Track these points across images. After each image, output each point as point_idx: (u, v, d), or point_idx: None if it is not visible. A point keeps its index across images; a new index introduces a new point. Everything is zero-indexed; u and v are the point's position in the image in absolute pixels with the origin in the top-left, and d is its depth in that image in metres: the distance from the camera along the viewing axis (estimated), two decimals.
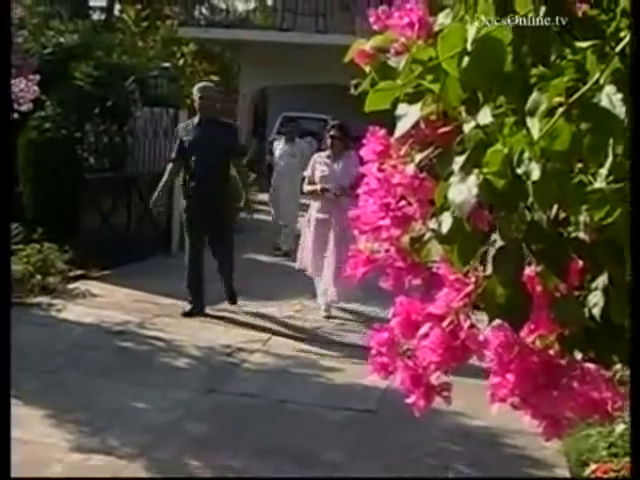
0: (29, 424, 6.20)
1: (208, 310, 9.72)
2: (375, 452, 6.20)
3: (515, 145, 1.30)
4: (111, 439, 6.06)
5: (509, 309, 1.60)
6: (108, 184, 12.24)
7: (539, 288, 1.66)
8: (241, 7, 38.75)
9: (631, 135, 1.24)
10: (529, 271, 1.64)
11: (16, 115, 9.23)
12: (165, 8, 26.04)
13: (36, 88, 9.19)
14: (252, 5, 40.24)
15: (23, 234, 10.89)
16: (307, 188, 10.31)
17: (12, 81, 9.02)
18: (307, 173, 10.33)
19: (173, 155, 9.96)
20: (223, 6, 37.59)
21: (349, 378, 7.66)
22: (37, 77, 9.26)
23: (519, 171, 1.29)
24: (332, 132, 10.13)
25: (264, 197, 16.30)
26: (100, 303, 10.02)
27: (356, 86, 1.62)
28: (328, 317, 10.08)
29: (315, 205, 10.19)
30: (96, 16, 33.36)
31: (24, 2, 9.85)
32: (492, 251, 1.59)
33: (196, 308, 9.72)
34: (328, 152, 10.20)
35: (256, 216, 17.16)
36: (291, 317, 9.99)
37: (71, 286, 10.44)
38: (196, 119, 9.84)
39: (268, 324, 9.50)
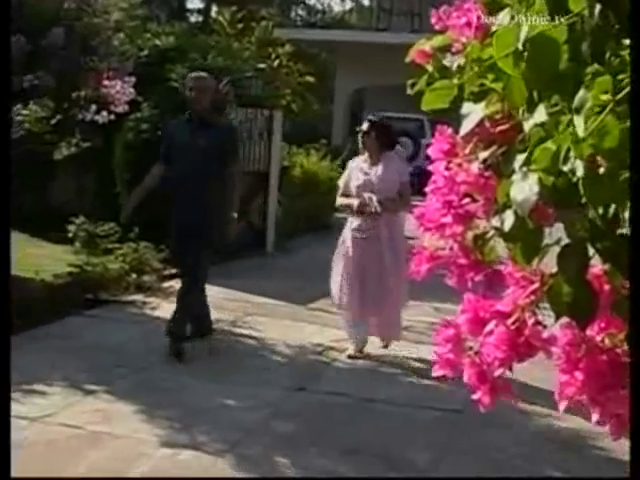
0: (120, 419, 6.33)
1: (303, 309, 9.74)
2: (462, 452, 6.18)
3: (562, 143, 1.31)
4: (200, 435, 6.13)
5: (575, 307, 1.60)
6: None
7: (607, 287, 1.66)
8: (337, 8, 38.92)
9: (631, 135, 1.24)
10: (597, 269, 1.64)
11: (112, 116, 9.43)
12: (261, 10, 26.26)
13: (132, 90, 9.36)
14: (348, 6, 40.35)
15: (119, 233, 11.10)
16: (340, 201, 8.52)
17: (108, 83, 9.22)
18: (340, 182, 8.62)
19: (161, 158, 8.25)
20: (319, 7, 37.80)
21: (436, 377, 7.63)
22: (132, 79, 9.43)
23: (565, 168, 1.30)
24: (365, 129, 8.33)
25: None
26: None
27: (412, 85, 1.64)
28: (354, 357, 8.34)
29: (352, 223, 8.36)
30: (193, 18, 33.83)
31: (121, 5, 9.98)
32: (557, 249, 1.59)
33: (177, 347, 7.91)
34: (365, 155, 8.40)
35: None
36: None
37: (165, 284, 10.59)
38: (185, 117, 8.22)
39: None
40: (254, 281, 11.07)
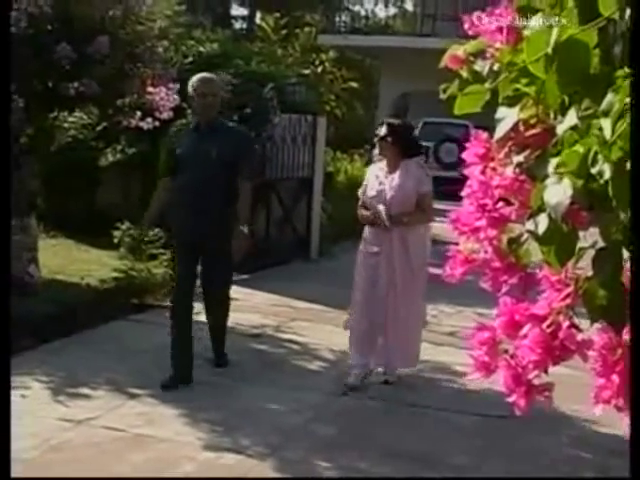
0: (164, 423, 6.38)
1: (346, 314, 9.75)
2: (503, 458, 6.16)
3: (590, 146, 1.32)
4: (242, 439, 6.17)
5: (610, 310, 1.61)
6: None
7: None
8: (381, 14, 38.88)
9: (631, 134, 1.24)
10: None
11: (157, 123, 9.50)
12: (305, 16, 26.31)
13: (176, 96, 9.42)
14: (392, 11, 40.33)
15: (164, 239, 11.17)
16: (360, 213, 7.68)
17: (153, 90, 9.30)
18: (360, 192, 7.78)
19: (163, 172, 7.67)
20: (363, 13, 37.82)
21: (481, 383, 7.60)
22: (176, 86, 9.49)
23: (593, 171, 1.31)
24: (382, 133, 7.51)
25: None
26: (238, 306, 10.17)
27: (445, 90, 1.66)
28: (350, 389, 7.44)
29: (365, 235, 7.64)
30: (238, 25, 33.99)
31: (165, 13, 10.05)
32: (593, 253, 1.60)
33: (175, 378, 7.17)
34: (383, 162, 7.62)
35: None
36: (427, 322, 9.96)
37: None
38: (192, 124, 7.65)
39: None
40: (298, 286, 11.11)
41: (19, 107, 8.66)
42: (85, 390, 6.97)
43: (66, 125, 12.21)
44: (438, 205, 22.87)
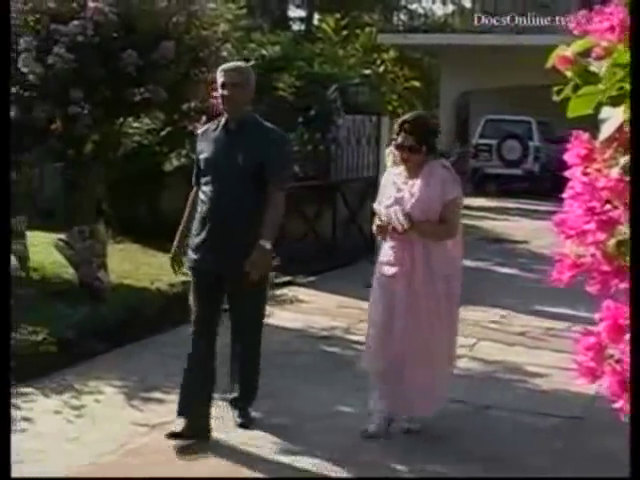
0: (236, 426, 6.38)
1: None
2: (580, 460, 6.08)
3: None
4: (315, 442, 6.15)
5: None
6: (313, 192, 12.48)
7: None
8: (440, 11, 38.65)
9: (631, 133, 1.20)
10: None
11: None
12: (364, 16, 26.27)
13: None
14: (450, 9, 40.09)
15: None
16: (375, 224, 6.42)
17: (217, 93, 9.32)
18: (375, 205, 6.51)
19: (193, 179, 6.44)
20: (421, 11, 37.63)
21: (555, 384, 7.53)
22: None
23: None
24: (400, 131, 6.32)
25: (469, 201, 16.18)
26: (306, 309, 10.22)
27: (558, 92, 1.62)
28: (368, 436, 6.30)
29: (382, 252, 6.47)
30: (296, 27, 34.01)
31: (226, 17, 10.10)
32: None
33: (191, 428, 6.03)
34: (400, 168, 6.40)
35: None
36: (497, 322, 9.90)
37: (278, 292, 10.67)
38: (220, 122, 6.29)
39: (474, 329, 9.44)
40: (366, 287, 11.07)
41: (85, 114, 8.75)
42: (158, 394, 7.00)
43: (131, 131, 12.29)
44: (503, 203, 22.79)
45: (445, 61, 28.19)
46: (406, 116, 6.51)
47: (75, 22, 8.34)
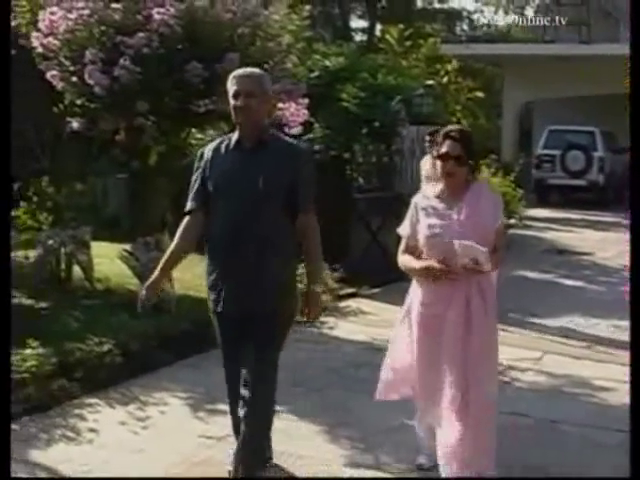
0: (303, 439, 6.36)
1: None
2: None
3: None
4: (384, 456, 6.10)
5: None
6: (377, 203, 12.45)
7: None
8: (502, 21, 38.47)
9: (631, 133, 1.13)
10: None
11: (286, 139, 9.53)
12: (426, 26, 26.22)
13: (305, 111, 9.45)
14: (513, 19, 39.88)
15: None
16: (404, 261, 5.64)
17: (282, 105, 9.32)
18: (402, 230, 5.72)
19: (189, 203, 5.35)
20: (484, 21, 37.50)
21: (623, 398, 7.40)
22: (306, 101, 9.52)
23: None
24: (446, 138, 5.41)
25: (532, 212, 16.07)
26: (371, 321, 10.17)
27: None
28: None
29: (420, 292, 5.58)
30: (358, 37, 34.03)
31: (289, 28, 10.08)
32: None
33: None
34: (438, 187, 5.54)
35: (524, 232, 17.01)
36: (563, 335, 9.78)
37: (342, 304, 10.65)
38: (233, 138, 5.31)
39: (539, 342, 9.33)
40: None
41: (151, 125, 8.79)
42: (223, 406, 6.94)
43: (194, 142, 12.33)
44: (566, 214, 22.56)
45: (508, 71, 28.03)
46: (451, 127, 5.63)
47: (141, 34, 8.37)
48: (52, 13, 8.80)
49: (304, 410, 6.95)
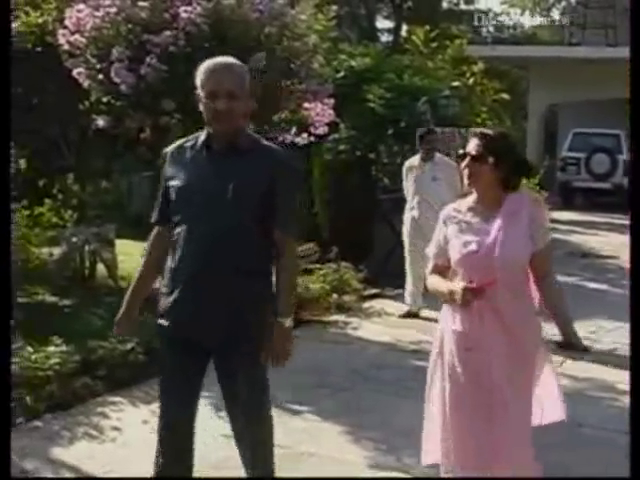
0: (327, 440, 6.34)
1: None
2: None
3: None
4: (407, 458, 6.05)
5: None
6: (402, 204, 12.39)
7: None
8: (528, 23, 38.38)
9: (631, 134, 1.10)
10: None
11: (312, 138, 9.53)
12: (451, 27, 26.17)
13: (331, 112, 9.45)
14: (539, 21, 39.75)
15: (319, 254, 11.20)
16: (432, 283, 4.81)
17: (308, 105, 9.31)
18: (430, 249, 4.90)
19: (154, 215, 4.62)
20: (510, 23, 37.39)
21: None
22: (332, 101, 9.51)
23: None
24: (471, 149, 4.62)
25: (556, 215, 15.96)
26: (394, 322, 10.13)
27: None
28: None
29: (451, 318, 4.69)
30: (384, 38, 34.01)
31: (316, 28, 10.07)
32: None
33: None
34: (471, 198, 4.73)
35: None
36: (586, 338, 9.70)
37: (366, 305, 10.63)
38: (200, 138, 4.43)
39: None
40: None
41: (176, 124, 8.79)
42: None
43: None
44: (591, 217, 22.46)
45: (533, 73, 27.93)
46: (483, 130, 4.88)
47: (167, 32, 8.37)
48: (79, 10, 8.83)
49: (328, 411, 6.93)
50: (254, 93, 4.76)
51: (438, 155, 10.53)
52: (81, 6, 8.86)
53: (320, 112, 9.39)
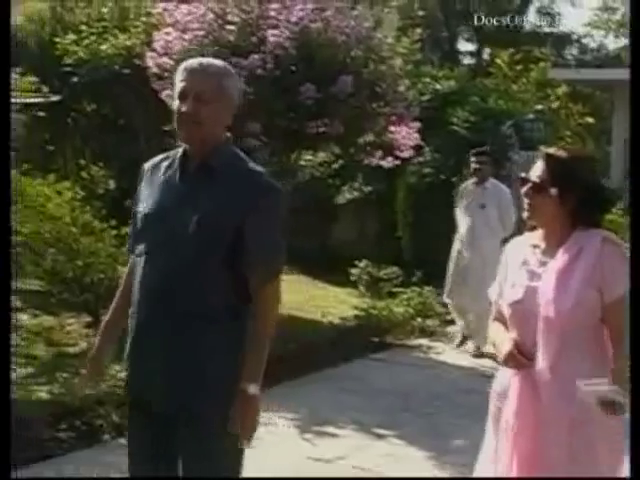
0: (411, 464, 6.31)
1: None
2: None
3: None
4: None
5: None
6: None
7: None
8: (612, 45, 37.96)
9: (631, 136, 1.07)
10: None
11: (397, 161, 9.53)
12: (535, 50, 26.01)
13: (417, 135, 9.44)
14: (623, 42, 39.36)
15: (402, 277, 11.19)
16: (491, 331, 3.96)
17: (394, 129, 9.32)
18: (492, 290, 3.94)
19: (128, 243, 3.88)
20: (593, 45, 37.03)
21: None
22: (417, 124, 9.51)
23: None
24: (537, 175, 3.65)
25: None
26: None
27: None
28: None
29: (505, 384, 3.75)
30: (466, 60, 33.89)
31: (400, 51, 10.07)
32: None
33: None
34: (537, 233, 3.79)
35: None
36: None
37: (449, 329, 10.57)
38: (178, 153, 3.64)
39: None
40: None
41: (262, 146, 8.86)
42: (331, 429, 6.97)
43: (303, 163, 12.41)
44: None
45: (617, 96, 27.55)
46: (550, 149, 3.77)
47: (255, 56, 8.44)
48: (167, 33, 8.97)
49: (411, 435, 6.89)
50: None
51: (492, 180, 9.65)
52: (169, 29, 9.00)
53: (406, 135, 9.39)
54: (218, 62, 3.64)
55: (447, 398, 7.89)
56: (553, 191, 3.59)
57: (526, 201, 3.69)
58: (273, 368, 8.01)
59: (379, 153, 9.54)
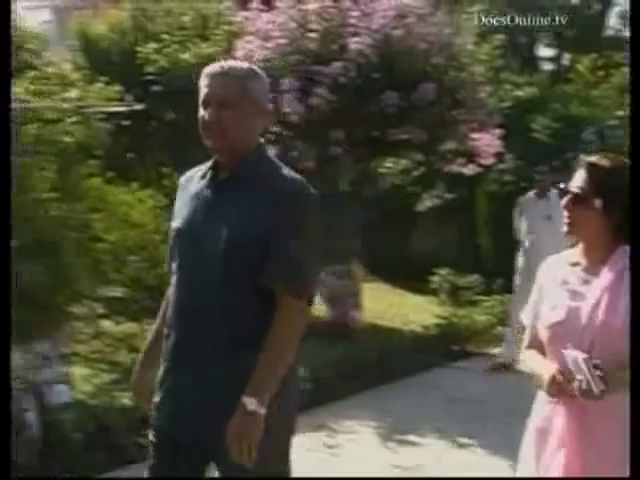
0: (496, 473, 6.25)
1: None
2: None
3: None
4: None
5: None
6: None
7: None
8: None
9: (631, 136, 1.03)
10: None
11: (479, 169, 9.48)
12: (615, 55, 25.67)
13: (498, 142, 9.38)
14: None
15: (483, 285, 11.12)
16: (525, 358, 3.61)
17: (476, 136, 9.27)
18: (525, 315, 3.62)
19: (167, 260, 3.48)
20: None
21: None
22: (499, 131, 9.44)
23: None
24: (576, 186, 3.34)
25: None
26: None
27: None
28: None
29: (548, 415, 3.55)
30: (545, 66, 33.54)
31: (481, 58, 10.00)
32: None
33: None
34: (577, 250, 3.47)
35: None
36: None
37: None
38: (205, 168, 3.41)
39: None
40: None
41: (344, 154, 8.88)
42: (412, 437, 6.96)
43: (384, 170, 12.38)
44: None
45: None
46: (592, 158, 3.43)
47: (337, 64, 8.46)
48: (248, 42, 9.02)
49: (491, 445, 6.83)
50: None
51: (555, 191, 8.24)
52: (250, 37, 9.05)
53: (487, 142, 9.33)
54: (242, 64, 3.38)
55: (527, 408, 7.81)
56: (597, 203, 3.31)
57: (565, 214, 3.41)
58: (354, 376, 8.11)
59: (460, 160, 9.50)
